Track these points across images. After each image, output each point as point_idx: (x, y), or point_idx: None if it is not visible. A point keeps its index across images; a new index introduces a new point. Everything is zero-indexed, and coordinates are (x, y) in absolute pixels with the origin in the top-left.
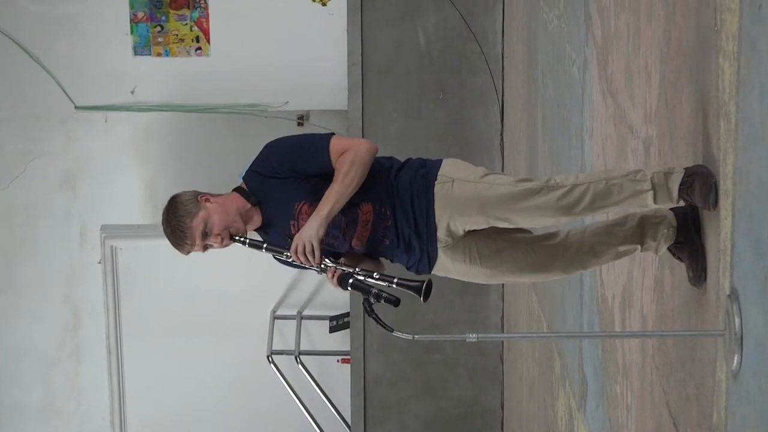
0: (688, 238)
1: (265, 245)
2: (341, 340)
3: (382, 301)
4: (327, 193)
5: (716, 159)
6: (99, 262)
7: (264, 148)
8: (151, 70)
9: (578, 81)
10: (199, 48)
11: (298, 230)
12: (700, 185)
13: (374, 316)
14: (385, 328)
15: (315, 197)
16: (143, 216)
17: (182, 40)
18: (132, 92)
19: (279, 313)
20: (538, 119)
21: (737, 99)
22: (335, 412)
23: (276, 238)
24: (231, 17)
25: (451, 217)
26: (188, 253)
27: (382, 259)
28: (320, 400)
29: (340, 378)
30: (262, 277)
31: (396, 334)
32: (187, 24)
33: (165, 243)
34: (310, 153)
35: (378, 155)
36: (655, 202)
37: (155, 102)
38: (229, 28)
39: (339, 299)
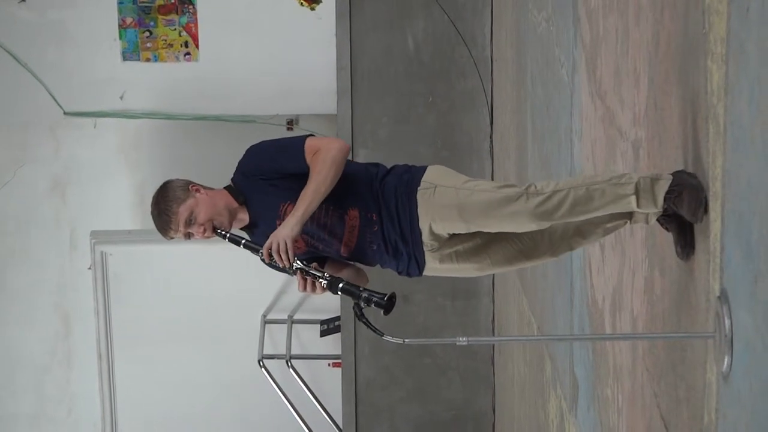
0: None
1: (243, 242)
2: (332, 344)
3: (372, 306)
4: (302, 193)
5: (705, 161)
6: (89, 268)
7: (246, 151)
8: (140, 76)
9: (567, 84)
10: (188, 53)
11: None
12: (689, 198)
13: (364, 320)
14: (375, 332)
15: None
16: (133, 222)
17: (171, 45)
18: (121, 98)
19: (270, 317)
20: (528, 122)
21: (726, 101)
22: (326, 416)
23: (261, 237)
24: (220, 22)
25: (433, 223)
26: (171, 238)
27: (367, 268)
28: (312, 404)
29: (331, 382)
30: (253, 282)
31: (387, 338)
32: (175, 29)
33: (155, 248)
34: (286, 154)
35: (365, 160)
36: (638, 206)
37: (145, 107)
38: (218, 33)
39: (330, 303)
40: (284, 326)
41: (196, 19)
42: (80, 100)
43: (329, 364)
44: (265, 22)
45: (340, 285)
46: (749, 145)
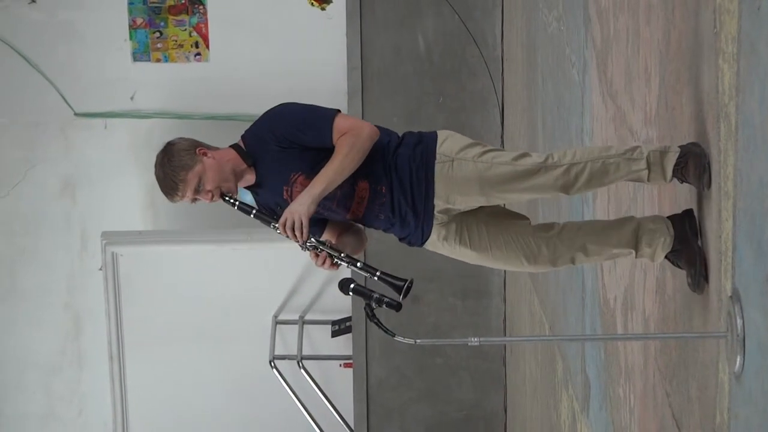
0: (686, 245)
1: (254, 211)
2: (343, 345)
3: (384, 306)
4: (322, 171)
5: (717, 160)
6: (100, 269)
7: (268, 112)
8: (150, 76)
9: (578, 83)
10: (199, 53)
11: (291, 197)
12: (693, 166)
13: (376, 320)
14: (386, 332)
15: (313, 171)
16: (143, 222)
17: (181, 46)
18: (131, 98)
19: (281, 318)
20: (538, 122)
21: (737, 100)
22: (338, 417)
23: (266, 199)
24: (230, 22)
25: (451, 196)
26: (175, 201)
27: (368, 231)
28: (323, 404)
29: (342, 382)
30: (264, 282)
31: (398, 338)
32: (186, 29)
33: (166, 249)
34: (312, 128)
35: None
36: (648, 179)
37: (155, 108)
38: (228, 33)
39: (341, 303)
40: (295, 327)
41: (206, 19)
42: (90, 101)
43: (340, 365)
44: (275, 23)
45: (352, 286)
46: (761, 144)
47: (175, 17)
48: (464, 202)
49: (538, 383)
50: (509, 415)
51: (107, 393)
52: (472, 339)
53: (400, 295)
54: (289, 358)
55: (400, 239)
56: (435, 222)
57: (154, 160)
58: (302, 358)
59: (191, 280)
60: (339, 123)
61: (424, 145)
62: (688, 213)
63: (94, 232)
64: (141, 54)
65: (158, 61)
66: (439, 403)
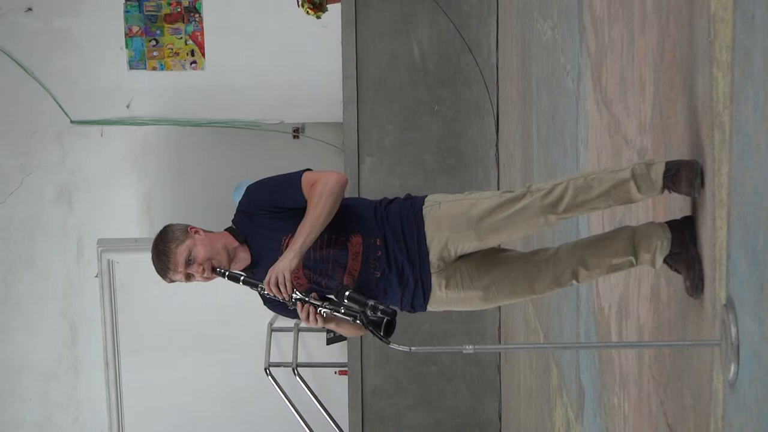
0: (684, 248)
1: (242, 278)
2: (338, 352)
3: (378, 314)
4: (300, 226)
5: (711, 169)
6: (96, 276)
7: (246, 190)
8: (146, 84)
9: (573, 92)
10: (194, 61)
11: None
12: (686, 172)
13: (371, 328)
14: (381, 340)
15: None
16: (140, 229)
17: (177, 54)
18: (127, 106)
19: (276, 325)
20: (533, 130)
21: (731, 109)
22: (333, 424)
23: (262, 276)
24: (226, 30)
25: (441, 238)
26: (170, 281)
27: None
28: (318, 412)
29: (337, 390)
30: None
31: (393, 346)
32: (182, 38)
33: None
34: (286, 189)
35: (371, 168)
36: (639, 192)
37: (151, 116)
38: (224, 42)
39: None
40: (291, 334)
41: (202, 27)
42: (86, 109)
43: (335, 372)
44: (270, 31)
45: (347, 293)
46: (755, 152)
47: (171, 25)
48: (457, 240)
49: (533, 391)
50: (504, 423)
51: (103, 400)
52: (467, 347)
53: (380, 333)
54: (285, 366)
55: (402, 307)
56: (432, 270)
57: (149, 167)
58: (297, 366)
59: (187, 288)
60: (307, 177)
61: (413, 200)
62: (687, 219)
63: (90, 240)
64: (137, 62)
65: (154, 69)
66: (434, 411)
